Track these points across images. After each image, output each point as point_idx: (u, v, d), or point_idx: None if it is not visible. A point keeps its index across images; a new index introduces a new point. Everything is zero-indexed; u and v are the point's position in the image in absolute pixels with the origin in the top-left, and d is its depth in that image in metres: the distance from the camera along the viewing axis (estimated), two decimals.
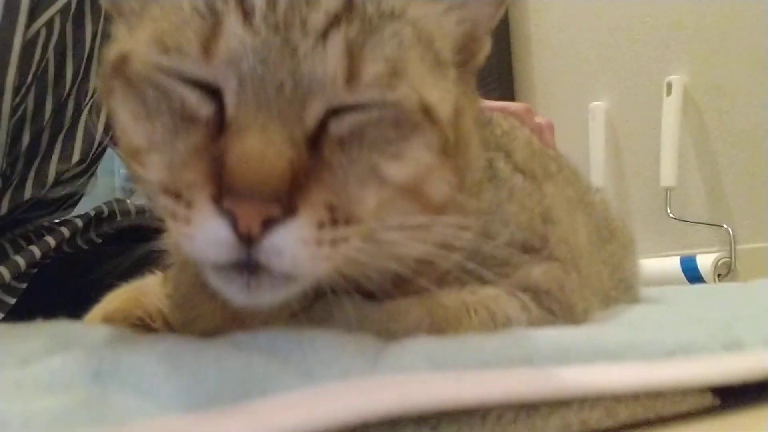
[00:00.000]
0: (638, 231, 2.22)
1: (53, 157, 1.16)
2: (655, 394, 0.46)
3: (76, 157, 1.18)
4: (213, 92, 0.46)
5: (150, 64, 0.47)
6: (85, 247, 1.24)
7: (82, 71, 1.17)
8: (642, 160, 2.29)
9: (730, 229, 2.00)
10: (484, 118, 0.77)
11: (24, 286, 1.11)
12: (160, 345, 0.41)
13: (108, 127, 1.23)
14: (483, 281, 0.55)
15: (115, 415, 0.33)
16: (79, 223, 1.20)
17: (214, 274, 0.46)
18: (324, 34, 0.45)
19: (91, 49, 1.18)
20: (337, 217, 0.44)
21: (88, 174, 1.28)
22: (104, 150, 1.28)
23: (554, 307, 0.60)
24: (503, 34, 2.61)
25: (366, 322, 0.52)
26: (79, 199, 1.32)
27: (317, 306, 0.55)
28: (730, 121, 2.07)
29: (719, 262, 1.93)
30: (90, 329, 0.50)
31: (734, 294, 1.15)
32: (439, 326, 0.52)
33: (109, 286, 0.79)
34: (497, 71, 2.53)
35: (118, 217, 1.28)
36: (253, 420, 0.34)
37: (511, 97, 2.58)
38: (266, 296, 0.45)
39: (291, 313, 0.56)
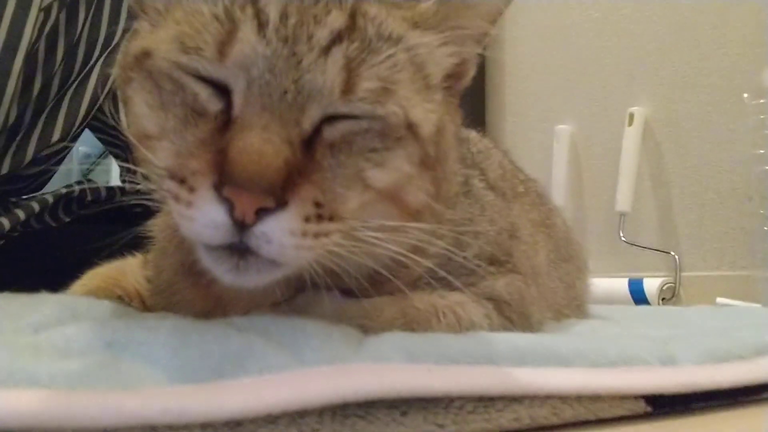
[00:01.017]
0: (591, 251, 2.31)
1: (34, 135, 1.17)
2: (596, 398, 0.51)
3: (56, 136, 1.19)
4: (223, 91, 0.50)
5: (170, 61, 0.51)
6: (53, 224, 1.25)
7: (69, 53, 1.19)
8: (600, 184, 2.38)
9: (677, 256, 2.11)
10: (462, 135, 0.83)
11: None
12: (167, 321, 0.45)
13: (91, 109, 1.24)
14: (452, 287, 0.61)
15: (129, 380, 0.37)
16: (50, 199, 1.21)
17: (207, 254, 0.51)
18: (326, 49, 0.50)
19: (80, 34, 1.20)
20: (322, 213, 0.49)
21: (64, 153, 1.29)
22: (83, 130, 1.29)
23: (513, 317, 0.66)
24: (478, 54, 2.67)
25: (343, 317, 0.56)
26: (50, 177, 1.33)
27: (298, 298, 0.59)
28: (686, 155, 2.18)
29: (664, 287, 2.03)
30: (96, 303, 0.54)
31: (674, 316, 1.23)
32: (410, 325, 0.57)
33: (78, 264, 0.81)
34: (470, 89, 2.59)
35: (89, 197, 1.29)
36: (251, 394, 0.38)
37: (482, 115, 2.65)
38: (252, 278, 0.50)
39: (273, 303, 0.60)
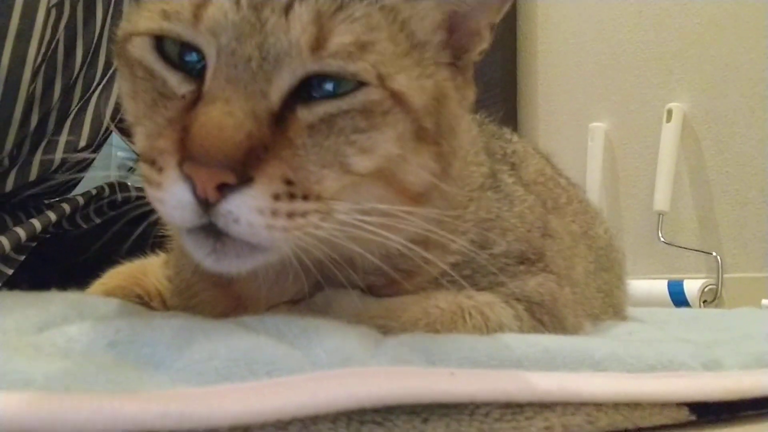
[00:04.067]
0: (629, 252, 2.24)
1: (60, 141, 1.17)
2: (635, 405, 0.48)
3: (83, 142, 1.19)
4: (194, 73, 0.49)
5: (144, 44, 0.50)
6: (84, 226, 1.25)
7: (90, 54, 1.19)
8: (637, 183, 2.32)
9: (718, 257, 2.03)
10: (495, 130, 0.79)
11: (22, 258, 1.12)
12: (173, 321, 0.43)
13: (116, 113, 1.24)
14: (479, 287, 0.58)
15: (129, 383, 0.35)
16: (81, 200, 1.21)
17: (187, 238, 0.49)
18: (288, 8, 0.47)
19: (101, 32, 1.20)
20: (294, 192, 0.46)
21: (93, 159, 1.30)
22: (109, 135, 1.29)
23: (545, 319, 0.62)
24: (510, 49, 2.64)
25: (364, 316, 0.54)
26: (81, 179, 1.33)
27: (318, 296, 0.57)
28: (727, 152, 2.10)
29: (706, 289, 1.96)
30: (104, 301, 0.52)
31: (717, 319, 1.18)
32: (433, 326, 0.54)
33: (106, 264, 0.81)
34: (501, 85, 2.56)
35: (119, 198, 1.29)
36: (259, 398, 0.36)
37: (514, 112, 2.61)
38: (232, 263, 0.48)
39: (292, 300, 0.58)
